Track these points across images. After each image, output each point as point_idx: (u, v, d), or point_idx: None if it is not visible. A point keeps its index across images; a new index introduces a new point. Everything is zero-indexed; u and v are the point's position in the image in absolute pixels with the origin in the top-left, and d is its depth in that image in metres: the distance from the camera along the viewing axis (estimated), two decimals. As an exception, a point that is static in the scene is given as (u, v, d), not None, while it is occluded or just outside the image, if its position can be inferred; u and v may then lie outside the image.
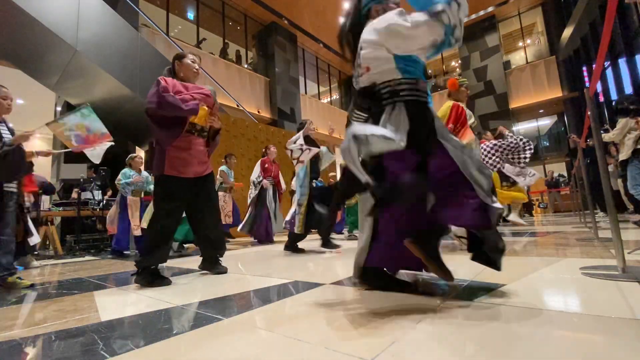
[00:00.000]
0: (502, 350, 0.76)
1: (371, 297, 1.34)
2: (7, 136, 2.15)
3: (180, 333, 1.03)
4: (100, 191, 5.42)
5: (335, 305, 1.26)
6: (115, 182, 4.17)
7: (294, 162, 3.23)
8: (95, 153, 2.81)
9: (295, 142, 3.19)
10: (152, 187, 4.29)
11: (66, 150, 2.83)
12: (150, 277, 1.89)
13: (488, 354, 0.75)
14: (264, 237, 4.72)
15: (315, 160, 3.40)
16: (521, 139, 3.64)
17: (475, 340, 0.83)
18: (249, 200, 5.03)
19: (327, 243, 3.33)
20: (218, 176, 5.03)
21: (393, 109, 1.34)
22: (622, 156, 3.58)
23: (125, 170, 4.19)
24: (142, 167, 4.45)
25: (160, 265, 2.01)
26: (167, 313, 1.29)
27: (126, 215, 4.06)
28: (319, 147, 3.38)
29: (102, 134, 2.75)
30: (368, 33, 1.41)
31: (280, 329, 1.01)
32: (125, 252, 4.13)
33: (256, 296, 1.51)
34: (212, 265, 2.22)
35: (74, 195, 5.24)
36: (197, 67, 2.19)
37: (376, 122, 1.37)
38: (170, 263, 2.83)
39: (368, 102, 1.43)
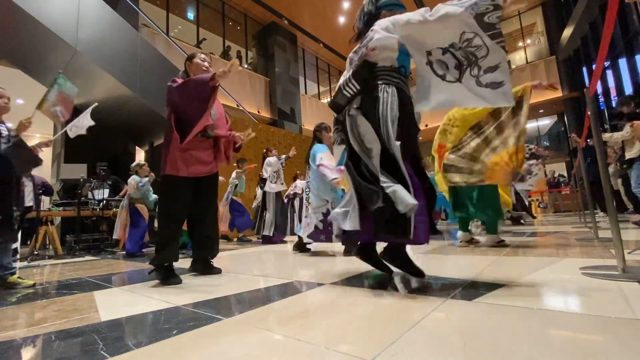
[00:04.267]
0: (502, 350, 0.76)
1: (371, 297, 1.34)
2: (5, 132, 2.14)
3: (180, 333, 1.03)
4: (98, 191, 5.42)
5: (335, 305, 1.26)
6: (132, 189, 4.19)
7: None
8: (80, 124, 2.81)
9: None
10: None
11: (61, 132, 2.83)
12: (164, 274, 1.94)
13: (488, 354, 0.75)
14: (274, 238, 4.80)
15: None
16: None
17: (475, 340, 0.83)
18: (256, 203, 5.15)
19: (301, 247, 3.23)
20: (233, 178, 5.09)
21: (387, 89, 1.53)
22: (631, 154, 3.57)
23: (136, 177, 4.23)
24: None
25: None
26: (167, 313, 1.29)
27: (137, 220, 4.13)
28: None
29: (76, 93, 2.71)
30: (385, 22, 1.57)
31: (280, 329, 1.01)
32: (137, 253, 4.08)
33: (256, 296, 1.51)
34: (204, 267, 2.20)
35: (87, 194, 5.25)
36: (207, 65, 2.17)
37: (369, 95, 1.55)
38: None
39: (367, 73, 1.59)
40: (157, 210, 4.23)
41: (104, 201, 5.23)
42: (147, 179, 4.27)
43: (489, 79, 1.39)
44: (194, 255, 2.25)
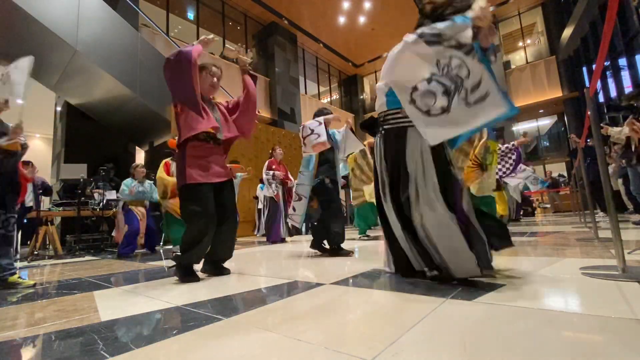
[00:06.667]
0: (502, 350, 0.76)
1: (371, 297, 1.34)
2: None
3: (180, 333, 1.03)
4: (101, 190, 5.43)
5: (335, 305, 1.26)
6: (124, 194, 4.10)
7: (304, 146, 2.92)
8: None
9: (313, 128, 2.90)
10: (156, 195, 4.16)
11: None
12: (183, 272, 2.00)
13: (488, 354, 0.75)
14: (278, 238, 4.82)
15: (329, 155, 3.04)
16: (506, 146, 3.87)
17: (475, 340, 0.83)
18: (260, 200, 5.22)
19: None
20: None
21: (379, 137, 1.70)
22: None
23: (127, 180, 4.16)
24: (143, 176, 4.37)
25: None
26: (167, 313, 1.29)
27: (131, 221, 4.07)
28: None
29: None
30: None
31: (280, 329, 1.01)
32: (129, 255, 4.03)
33: (256, 296, 1.51)
34: (214, 268, 2.22)
35: (95, 194, 5.24)
36: (214, 80, 2.19)
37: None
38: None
39: (367, 130, 1.87)
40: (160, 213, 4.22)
41: (104, 201, 5.23)
42: (148, 182, 4.25)
43: (476, 96, 1.37)
44: (206, 256, 2.23)
